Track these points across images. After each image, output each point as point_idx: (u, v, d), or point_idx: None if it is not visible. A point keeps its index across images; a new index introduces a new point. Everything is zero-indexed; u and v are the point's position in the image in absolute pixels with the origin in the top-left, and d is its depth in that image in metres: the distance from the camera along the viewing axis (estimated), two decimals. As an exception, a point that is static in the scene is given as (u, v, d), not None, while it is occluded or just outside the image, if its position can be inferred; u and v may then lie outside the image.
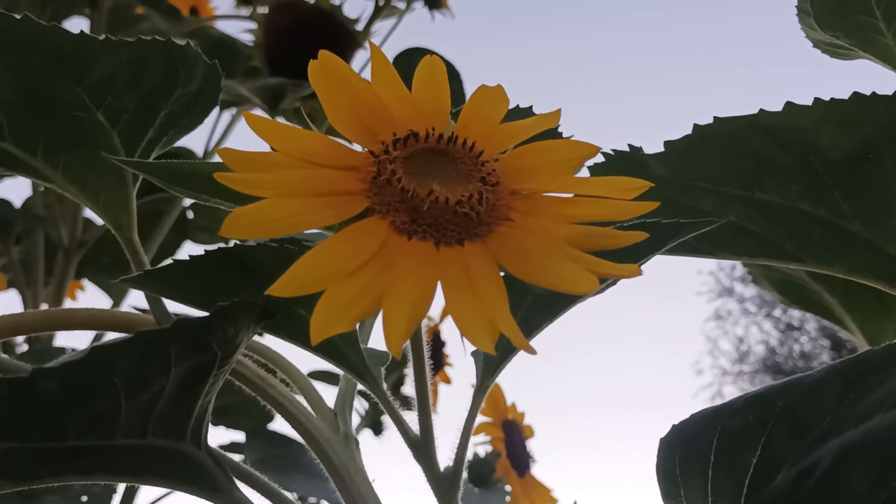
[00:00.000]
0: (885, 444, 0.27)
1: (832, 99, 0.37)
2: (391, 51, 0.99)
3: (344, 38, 0.91)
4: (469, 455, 0.87)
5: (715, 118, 0.39)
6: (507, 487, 0.88)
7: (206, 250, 0.31)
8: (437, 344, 1.03)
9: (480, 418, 0.86)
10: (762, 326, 10.66)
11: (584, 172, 0.37)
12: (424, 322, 0.33)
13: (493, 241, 0.26)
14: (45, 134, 0.38)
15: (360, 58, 0.94)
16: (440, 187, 0.26)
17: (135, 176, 0.40)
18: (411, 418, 0.34)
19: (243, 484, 0.35)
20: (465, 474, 0.36)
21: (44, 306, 0.99)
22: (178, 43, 0.37)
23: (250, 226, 0.24)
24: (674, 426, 0.34)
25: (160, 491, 0.89)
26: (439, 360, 1.02)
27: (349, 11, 0.91)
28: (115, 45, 0.36)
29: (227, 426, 0.99)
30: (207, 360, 0.28)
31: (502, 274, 0.25)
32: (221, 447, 0.50)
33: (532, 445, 0.92)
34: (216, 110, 1.05)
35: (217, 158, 0.28)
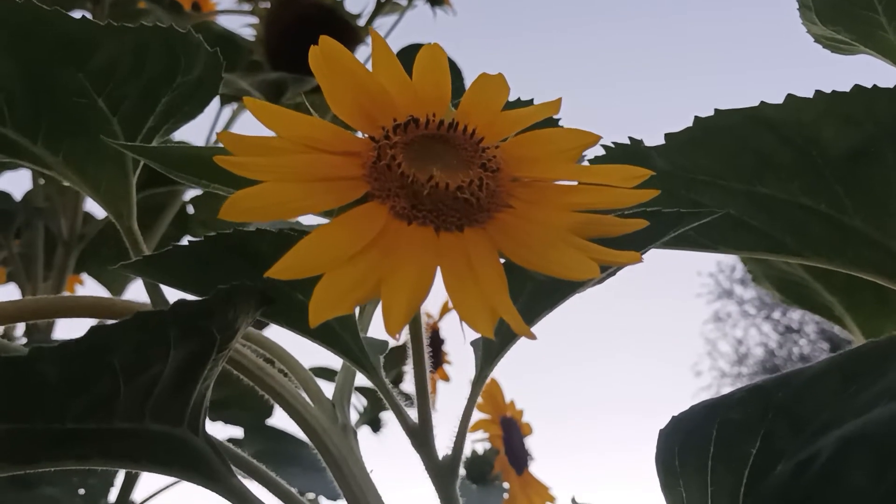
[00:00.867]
0: (884, 437, 0.27)
1: (834, 92, 0.37)
2: (393, 48, 0.99)
3: (345, 34, 0.91)
4: (467, 451, 0.87)
5: (716, 111, 0.39)
6: (505, 485, 0.88)
7: (204, 236, 0.30)
8: (436, 342, 1.03)
9: (479, 415, 0.86)
10: (761, 329, 10.67)
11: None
12: (423, 319, 0.33)
13: (493, 227, 0.26)
14: (46, 121, 0.38)
15: (362, 54, 0.94)
16: (440, 173, 0.26)
17: (135, 164, 0.40)
18: (410, 413, 0.34)
19: (241, 474, 0.34)
20: (462, 470, 0.36)
21: (43, 299, 0.99)
22: (179, 31, 0.37)
23: (250, 209, 0.24)
24: (673, 418, 0.34)
25: (157, 485, 0.89)
26: (438, 358, 1.02)
27: (351, 7, 0.91)
28: (118, 31, 0.36)
29: (225, 421, 0.99)
30: (206, 344, 0.28)
31: (502, 261, 0.25)
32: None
33: (531, 445, 0.92)
34: (217, 105, 1.05)
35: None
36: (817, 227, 0.41)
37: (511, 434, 0.90)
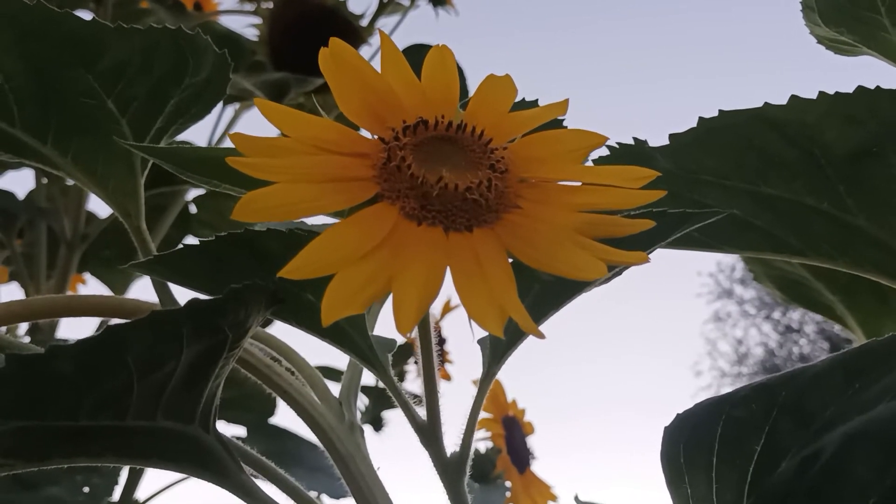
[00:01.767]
0: (888, 433, 0.28)
1: (837, 93, 0.37)
2: (395, 48, 0.99)
3: (348, 34, 0.91)
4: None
5: (720, 111, 0.39)
6: (508, 483, 0.88)
7: (215, 235, 0.31)
8: (438, 341, 1.03)
9: (482, 414, 0.86)
10: (761, 328, 10.67)
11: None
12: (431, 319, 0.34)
13: (501, 228, 0.26)
14: (55, 121, 0.38)
15: (365, 54, 0.94)
16: (449, 174, 0.27)
17: (143, 164, 0.40)
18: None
19: (250, 472, 0.35)
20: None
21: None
22: (188, 32, 0.37)
23: (262, 209, 0.25)
24: (678, 415, 0.34)
25: (161, 483, 0.90)
26: (440, 358, 1.02)
27: (354, 7, 0.91)
28: (127, 32, 0.36)
29: (229, 421, 0.99)
30: (218, 342, 0.28)
31: (511, 261, 0.26)
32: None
33: (532, 445, 0.92)
34: (219, 106, 1.05)
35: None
36: (821, 227, 0.41)
37: (513, 433, 0.90)
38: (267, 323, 0.51)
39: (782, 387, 0.32)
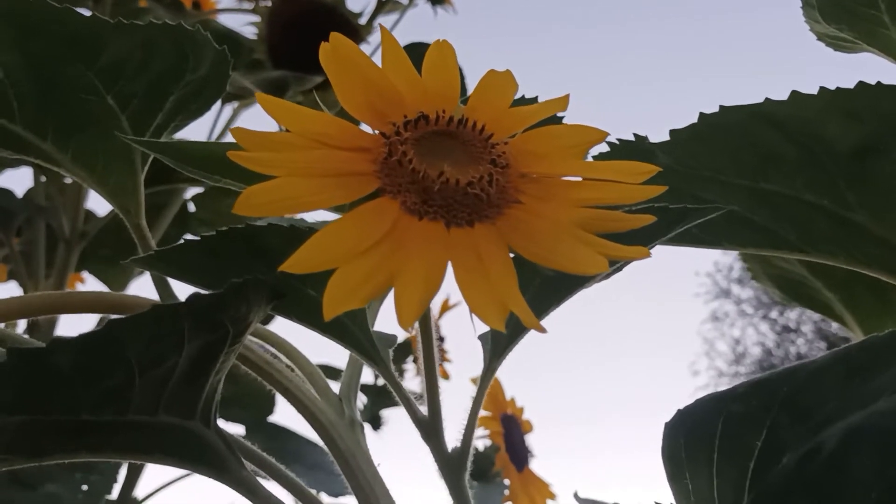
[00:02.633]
0: (889, 428, 0.28)
1: (837, 88, 0.37)
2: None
3: (347, 32, 0.91)
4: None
5: (720, 107, 0.39)
6: (506, 481, 0.88)
7: (216, 230, 0.31)
8: (437, 339, 1.03)
9: (480, 412, 0.86)
10: (759, 328, 10.68)
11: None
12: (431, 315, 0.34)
13: (502, 223, 0.26)
14: (55, 118, 0.38)
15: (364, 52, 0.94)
16: (451, 169, 0.27)
17: (143, 161, 0.40)
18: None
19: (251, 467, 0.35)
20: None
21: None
22: (188, 28, 0.37)
23: (263, 204, 0.25)
24: (679, 411, 0.34)
25: (160, 481, 0.90)
26: (439, 355, 1.02)
27: (352, 5, 0.91)
28: (127, 28, 0.36)
29: (227, 419, 0.99)
30: (219, 337, 0.28)
31: (512, 256, 0.26)
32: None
33: (530, 444, 0.92)
34: (218, 104, 1.05)
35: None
36: (821, 223, 0.41)
37: (511, 431, 0.90)
38: (267, 320, 0.51)
39: (783, 382, 0.32)
